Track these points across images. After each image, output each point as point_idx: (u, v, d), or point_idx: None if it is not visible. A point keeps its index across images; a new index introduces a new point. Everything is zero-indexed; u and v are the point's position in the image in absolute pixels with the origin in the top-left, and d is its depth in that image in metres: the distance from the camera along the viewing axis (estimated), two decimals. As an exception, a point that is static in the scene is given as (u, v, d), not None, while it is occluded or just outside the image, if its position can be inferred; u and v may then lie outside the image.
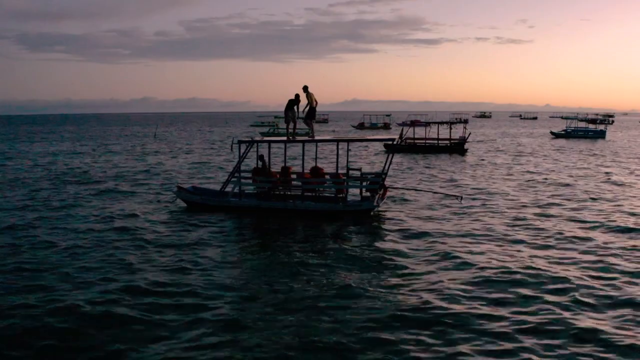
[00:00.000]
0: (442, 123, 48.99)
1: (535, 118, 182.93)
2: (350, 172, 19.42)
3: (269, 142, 19.35)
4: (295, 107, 18.58)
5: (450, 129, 46.69)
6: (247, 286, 11.29)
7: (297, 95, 18.50)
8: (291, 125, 18.89)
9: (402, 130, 20.22)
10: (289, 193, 18.83)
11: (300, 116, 18.82)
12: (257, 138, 19.61)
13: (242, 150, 19.00)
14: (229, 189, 18.99)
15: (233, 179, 18.96)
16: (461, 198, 19.57)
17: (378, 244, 14.72)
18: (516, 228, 16.34)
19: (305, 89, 18.51)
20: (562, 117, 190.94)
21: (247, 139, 19.61)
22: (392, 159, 18.85)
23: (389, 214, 18.49)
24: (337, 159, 18.94)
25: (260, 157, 19.09)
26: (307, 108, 18.59)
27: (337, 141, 19.08)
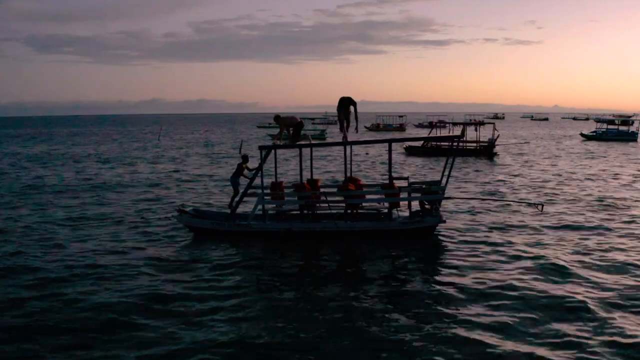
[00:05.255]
0: (469, 124, 45.64)
1: (546, 119, 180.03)
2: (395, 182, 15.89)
3: (299, 147, 15.86)
4: (352, 107, 15.40)
5: (478, 130, 43.20)
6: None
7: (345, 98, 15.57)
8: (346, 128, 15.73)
9: (465, 127, 16.82)
10: (326, 211, 15.47)
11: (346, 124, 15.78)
12: (279, 143, 16.16)
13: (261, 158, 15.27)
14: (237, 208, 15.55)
15: (248, 196, 15.60)
16: (542, 206, 16.28)
17: (450, 274, 11.56)
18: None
19: (276, 118, 16.53)
20: (573, 119, 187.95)
21: (267, 144, 15.92)
22: (453, 163, 15.47)
23: (452, 231, 15.23)
24: (390, 165, 15.55)
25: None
26: (286, 135, 16.20)
27: (390, 141, 15.68)
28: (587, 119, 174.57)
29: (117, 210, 19.32)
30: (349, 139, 15.61)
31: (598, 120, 69.53)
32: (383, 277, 11.67)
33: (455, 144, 16.43)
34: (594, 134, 63.82)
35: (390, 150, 15.48)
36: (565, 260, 12.40)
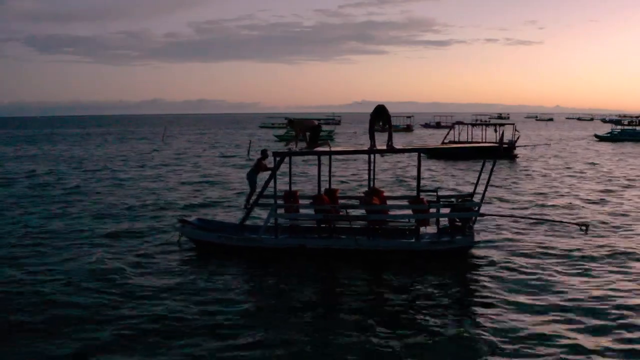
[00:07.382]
0: (488, 125, 43.56)
1: (551, 119, 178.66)
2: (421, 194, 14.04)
3: (318, 153, 13.89)
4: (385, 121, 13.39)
5: (497, 131, 41.08)
6: None
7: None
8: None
9: (502, 132, 14.74)
10: (345, 225, 13.75)
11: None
12: (295, 149, 14.04)
13: (274, 165, 13.59)
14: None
15: (260, 205, 14.14)
16: (587, 227, 14.26)
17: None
18: None
19: (290, 122, 14.65)
20: (578, 119, 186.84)
21: (282, 150, 14.02)
22: (490, 177, 13.47)
23: (485, 252, 13.31)
24: (419, 175, 13.54)
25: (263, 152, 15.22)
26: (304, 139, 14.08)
27: (419, 151, 13.64)
28: (591, 119, 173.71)
29: (108, 220, 17.56)
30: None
31: (604, 121, 68.42)
32: (406, 306, 10.31)
33: (496, 152, 14.06)
34: (609, 134, 62.29)
35: (419, 161, 13.45)
36: (612, 292, 10.68)
